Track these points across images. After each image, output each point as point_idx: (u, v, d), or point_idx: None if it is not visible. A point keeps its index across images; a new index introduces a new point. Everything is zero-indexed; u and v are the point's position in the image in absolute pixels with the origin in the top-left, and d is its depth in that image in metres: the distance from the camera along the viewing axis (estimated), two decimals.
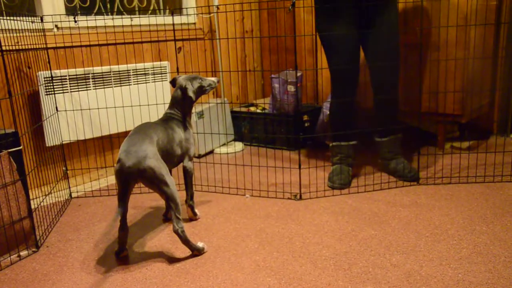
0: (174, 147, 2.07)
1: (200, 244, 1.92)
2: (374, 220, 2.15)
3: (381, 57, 2.50)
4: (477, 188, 2.47)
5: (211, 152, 3.44)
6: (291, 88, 3.34)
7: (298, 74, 3.43)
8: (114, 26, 2.92)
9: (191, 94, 2.12)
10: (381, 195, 2.45)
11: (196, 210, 2.29)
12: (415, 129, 2.99)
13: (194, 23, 3.45)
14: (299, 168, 2.48)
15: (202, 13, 3.45)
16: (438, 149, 3.14)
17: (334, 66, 2.54)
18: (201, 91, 2.20)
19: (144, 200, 2.57)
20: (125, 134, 2.97)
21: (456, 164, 2.85)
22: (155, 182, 1.81)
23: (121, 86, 2.88)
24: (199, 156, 3.30)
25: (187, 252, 1.93)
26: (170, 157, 2.05)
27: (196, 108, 3.28)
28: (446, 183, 2.56)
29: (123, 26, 2.96)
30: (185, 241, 1.87)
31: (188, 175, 2.20)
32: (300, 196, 2.47)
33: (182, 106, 2.16)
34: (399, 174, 2.63)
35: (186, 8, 3.25)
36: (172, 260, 1.88)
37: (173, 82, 2.21)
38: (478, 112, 3.18)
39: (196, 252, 1.91)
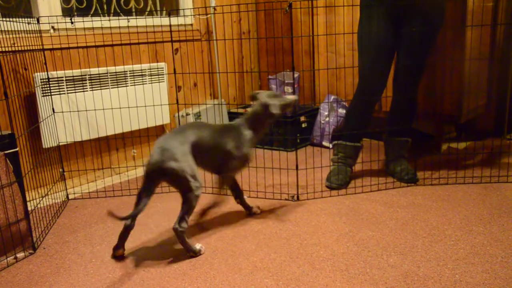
0: (220, 156, 2.04)
1: (197, 246, 1.92)
2: (371, 221, 2.15)
3: (411, 56, 2.47)
4: (474, 188, 2.47)
5: None
6: (288, 89, 3.34)
7: (295, 75, 3.43)
8: (110, 27, 2.91)
9: (274, 110, 2.08)
10: (378, 195, 2.45)
11: (252, 205, 2.29)
12: (413, 130, 2.99)
13: (191, 24, 3.44)
14: (297, 169, 2.48)
15: (199, 14, 3.45)
16: (435, 150, 3.14)
17: (365, 63, 2.48)
18: (283, 110, 2.16)
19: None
20: (122, 135, 2.97)
21: (453, 165, 2.85)
22: (176, 183, 1.84)
23: (118, 87, 2.87)
24: None
25: (185, 253, 1.92)
26: (214, 163, 2.05)
27: (193, 109, 3.28)
28: (443, 184, 2.56)
29: (119, 27, 2.96)
30: (182, 241, 1.88)
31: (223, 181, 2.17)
32: (298, 197, 2.47)
33: (258, 122, 2.12)
34: (398, 176, 2.64)
35: (183, 9, 3.25)
36: (170, 261, 1.88)
37: (253, 98, 2.19)
38: (475, 113, 3.18)
39: (192, 253, 1.91)
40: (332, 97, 3.41)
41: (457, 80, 2.90)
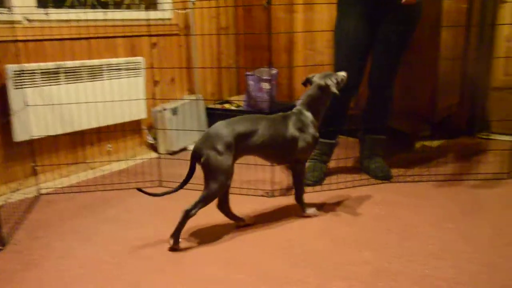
0: (282, 144, 2.05)
1: (180, 240, 1.92)
2: (346, 217, 2.17)
3: (387, 55, 2.50)
4: (446, 186, 2.52)
5: (185, 149, 3.41)
6: (265, 86, 3.35)
7: (273, 71, 3.44)
8: (87, 20, 2.86)
9: (334, 90, 2.09)
10: (353, 192, 2.47)
11: (307, 208, 2.22)
12: (387, 128, 3.03)
13: (170, 19, 3.42)
14: (273, 165, 2.48)
15: (177, 9, 3.42)
16: (409, 147, 3.19)
17: (340, 59, 2.50)
18: (338, 86, 2.16)
19: (125, 196, 2.54)
20: (97, 130, 2.93)
21: (427, 162, 2.90)
22: (205, 170, 1.90)
23: (93, 81, 2.83)
24: (173, 153, 3.28)
25: (162, 250, 1.91)
26: (277, 154, 2.08)
27: (169, 105, 3.26)
28: (417, 181, 2.61)
29: (96, 20, 2.91)
30: (180, 224, 1.89)
31: (296, 175, 2.17)
32: (274, 193, 2.48)
33: (316, 105, 2.13)
34: (372, 173, 2.67)
35: (162, 3, 3.23)
36: (146, 257, 1.86)
37: (306, 82, 2.20)
38: (448, 112, 3.24)
39: (173, 244, 1.89)
40: None
41: (431, 79, 2.95)
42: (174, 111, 3.26)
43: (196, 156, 1.92)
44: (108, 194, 2.59)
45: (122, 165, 3.05)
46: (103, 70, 2.88)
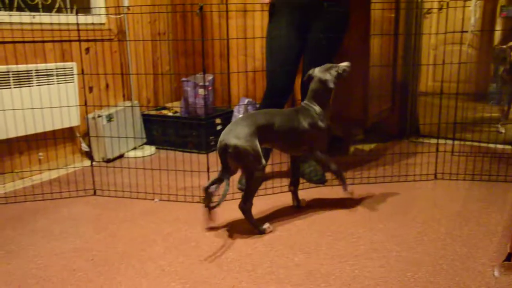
0: (295, 136, 2.17)
1: (265, 226, 2.09)
2: (279, 221, 2.20)
3: (316, 61, 2.55)
4: (377, 188, 2.62)
5: (121, 156, 3.34)
6: (202, 92, 3.34)
7: (210, 77, 3.44)
8: (11, 23, 2.73)
9: (332, 85, 2.21)
10: (287, 196, 2.51)
11: (302, 199, 2.40)
12: None
13: (103, 24, 3.34)
14: (208, 171, 2.48)
15: (110, 14, 3.35)
16: (344, 151, 3.29)
17: (272, 65, 2.55)
18: (339, 78, 2.26)
19: (56, 206, 2.44)
20: (25, 137, 2.80)
21: (360, 166, 3.00)
22: (238, 161, 1.98)
23: (20, 87, 2.71)
24: (108, 161, 3.20)
25: (93, 262, 1.86)
26: (291, 145, 2.21)
27: (104, 111, 3.18)
28: (349, 184, 2.68)
29: (21, 23, 2.79)
30: (248, 219, 2.07)
31: (320, 162, 2.38)
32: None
33: (321, 98, 2.23)
34: (307, 177, 2.73)
35: (94, 8, 3.15)
36: (74, 269, 1.80)
37: (309, 78, 2.27)
38: (380, 117, 3.38)
39: (258, 232, 2.07)
40: (246, 100, 3.46)
41: (362, 86, 3.06)
42: (109, 117, 3.19)
43: (224, 149, 1.97)
44: (38, 204, 2.48)
45: (54, 174, 2.94)
46: (31, 76, 2.76)
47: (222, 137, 1.99)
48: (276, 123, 2.10)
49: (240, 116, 2.09)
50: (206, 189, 2.08)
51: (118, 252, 1.93)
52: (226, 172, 2.00)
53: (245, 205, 2.04)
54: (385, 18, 3.19)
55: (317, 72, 2.26)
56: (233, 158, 1.98)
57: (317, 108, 2.23)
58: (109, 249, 1.95)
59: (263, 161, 2.02)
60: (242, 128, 1.98)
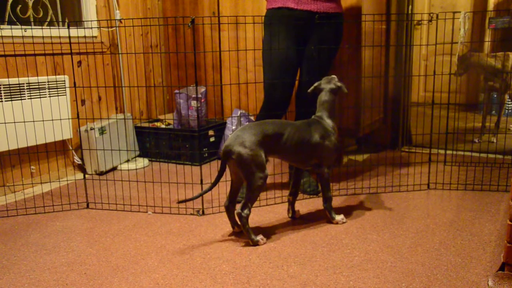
0: (306, 149, 2.16)
1: (258, 237, 2.07)
2: (273, 233, 2.20)
3: (312, 73, 2.58)
4: (370, 198, 2.62)
5: (114, 168, 3.33)
6: (194, 104, 3.34)
7: (202, 89, 3.44)
8: (2, 36, 2.73)
9: (346, 90, 2.26)
10: (282, 208, 2.51)
11: (335, 215, 2.30)
12: None
13: (95, 37, 3.34)
14: (201, 183, 2.47)
15: (102, 27, 3.36)
16: (337, 162, 3.29)
17: (269, 79, 2.56)
18: (339, 90, 2.30)
19: (49, 220, 2.42)
20: (17, 151, 2.79)
21: (353, 176, 3.01)
22: (241, 168, 1.99)
23: (12, 100, 2.70)
24: (101, 173, 3.18)
25: (84, 273, 1.84)
26: (301, 158, 2.19)
27: (97, 124, 3.17)
28: (343, 195, 2.69)
29: (13, 36, 2.78)
30: (244, 227, 2.05)
31: (321, 181, 2.26)
32: (203, 211, 2.47)
33: (333, 109, 2.25)
34: (301, 188, 2.73)
35: (86, 21, 3.15)
36: (66, 283, 1.78)
37: (315, 90, 2.29)
38: (372, 127, 3.39)
39: (251, 242, 2.06)
40: (239, 111, 3.47)
41: (354, 97, 3.08)
42: (102, 130, 3.18)
43: (227, 155, 1.99)
44: (30, 218, 2.46)
45: (46, 187, 2.92)
46: (23, 89, 2.75)
47: (228, 142, 2.01)
48: (285, 135, 2.10)
49: (249, 123, 2.11)
50: (227, 208, 2.17)
51: (112, 266, 1.91)
52: (219, 177, 2.06)
53: (243, 212, 2.04)
54: (376, 30, 3.22)
55: (324, 84, 2.27)
56: (236, 165, 2.00)
57: (330, 122, 2.24)
58: (102, 263, 1.94)
59: (266, 171, 2.02)
60: (249, 136, 1.99)
